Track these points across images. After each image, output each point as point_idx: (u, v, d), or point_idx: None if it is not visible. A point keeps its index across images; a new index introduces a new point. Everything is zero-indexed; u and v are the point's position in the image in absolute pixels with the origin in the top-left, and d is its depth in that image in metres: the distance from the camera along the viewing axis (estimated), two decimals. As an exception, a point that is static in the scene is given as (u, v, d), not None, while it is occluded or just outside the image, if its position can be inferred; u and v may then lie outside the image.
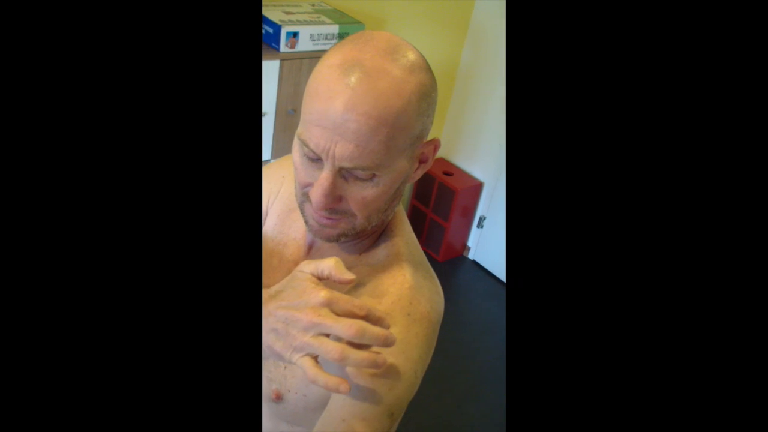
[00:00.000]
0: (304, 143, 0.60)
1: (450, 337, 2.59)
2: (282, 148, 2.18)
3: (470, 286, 3.01)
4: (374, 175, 0.60)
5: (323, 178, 0.59)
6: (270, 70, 1.95)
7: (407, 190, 3.20)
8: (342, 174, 0.60)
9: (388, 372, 0.60)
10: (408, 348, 0.63)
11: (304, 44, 1.98)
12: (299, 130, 0.61)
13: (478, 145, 3.03)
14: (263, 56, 1.94)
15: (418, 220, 3.15)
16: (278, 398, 0.72)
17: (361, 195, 0.61)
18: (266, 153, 2.21)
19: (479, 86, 2.96)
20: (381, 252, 0.71)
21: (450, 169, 3.09)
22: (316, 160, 0.60)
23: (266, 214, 0.81)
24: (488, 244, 3.10)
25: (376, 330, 0.53)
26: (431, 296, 0.68)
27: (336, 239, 0.66)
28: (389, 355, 0.61)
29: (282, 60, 1.95)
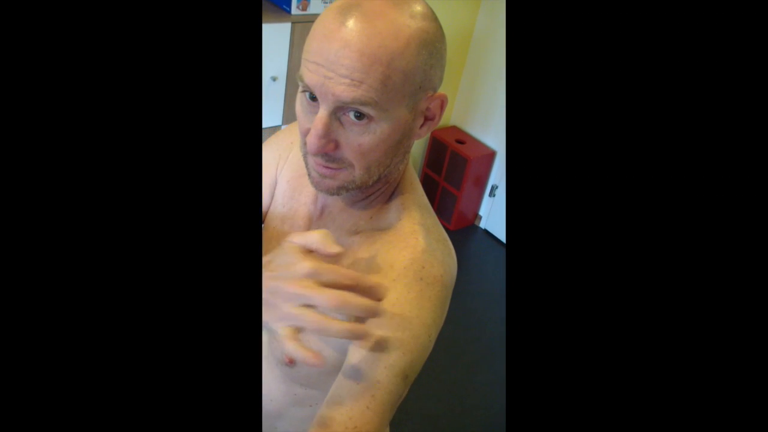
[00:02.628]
0: (300, 79, 0.60)
1: (461, 306, 2.60)
2: (294, 114, 2.16)
3: (481, 254, 3.00)
4: (371, 120, 0.59)
5: (317, 119, 0.59)
6: (281, 33, 1.92)
7: (419, 158, 3.17)
8: (338, 116, 0.60)
9: (402, 336, 0.59)
10: (422, 312, 0.62)
11: (315, 7, 1.95)
12: (299, 70, 0.61)
13: (492, 114, 2.99)
14: (274, 19, 1.90)
15: (430, 189, 3.13)
16: (291, 362, 0.73)
17: (357, 142, 0.61)
18: (277, 118, 2.19)
19: (493, 54, 2.91)
20: (392, 215, 0.70)
21: (463, 137, 3.06)
22: (313, 101, 0.61)
23: (275, 181, 0.80)
24: (500, 213, 3.08)
25: (360, 301, 0.51)
26: (444, 259, 0.67)
27: (336, 192, 0.66)
28: (404, 320, 0.60)
29: (293, 23, 1.92)
